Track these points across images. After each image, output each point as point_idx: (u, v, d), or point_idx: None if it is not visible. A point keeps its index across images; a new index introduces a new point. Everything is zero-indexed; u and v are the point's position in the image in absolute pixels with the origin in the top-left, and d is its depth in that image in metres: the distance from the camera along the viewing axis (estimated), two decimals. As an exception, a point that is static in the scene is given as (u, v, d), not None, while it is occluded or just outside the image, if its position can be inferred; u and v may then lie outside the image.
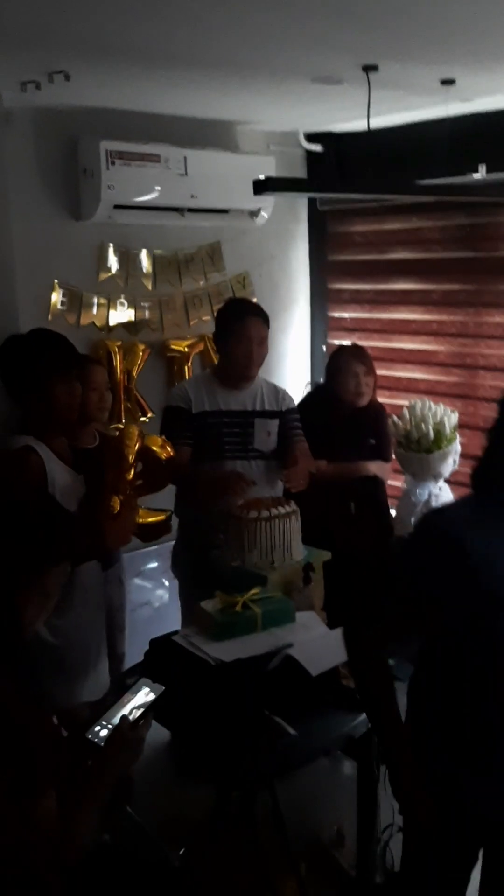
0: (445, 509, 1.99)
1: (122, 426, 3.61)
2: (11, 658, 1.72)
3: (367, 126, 3.19)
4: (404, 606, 1.81)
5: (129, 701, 1.84)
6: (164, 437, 2.93)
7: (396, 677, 1.94)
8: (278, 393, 3.41)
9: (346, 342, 4.14)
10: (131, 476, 2.65)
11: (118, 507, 2.55)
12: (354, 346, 3.77)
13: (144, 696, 1.84)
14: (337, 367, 3.62)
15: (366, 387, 3.58)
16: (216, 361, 3.47)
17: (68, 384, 2.57)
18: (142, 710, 1.81)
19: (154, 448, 2.76)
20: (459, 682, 1.78)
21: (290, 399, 3.43)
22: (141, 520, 2.66)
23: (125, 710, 1.81)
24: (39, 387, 2.53)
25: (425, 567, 1.76)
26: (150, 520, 2.75)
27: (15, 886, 1.58)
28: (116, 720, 1.79)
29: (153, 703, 1.82)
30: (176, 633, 2.58)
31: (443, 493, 3.76)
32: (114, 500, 2.56)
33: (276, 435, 3.31)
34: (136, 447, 2.63)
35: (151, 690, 1.85)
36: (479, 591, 1.70)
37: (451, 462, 3.72)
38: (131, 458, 2.61)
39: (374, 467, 3.63)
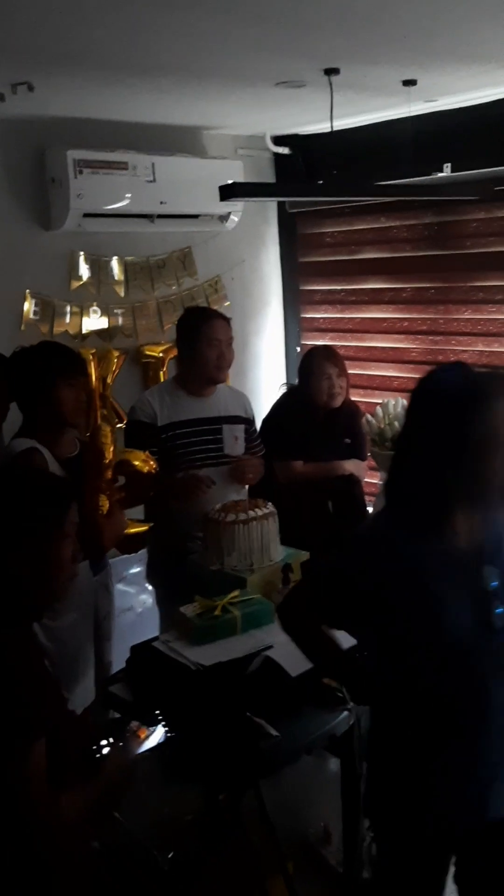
0: (362, 531, 1.97)
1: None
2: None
3: (330, 128, 3.22)
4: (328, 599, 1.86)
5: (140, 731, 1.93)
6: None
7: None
8: (243, 398, 3.44)
9: (320, 343, 4.17)
10: (110, 476, 2.68)
11: (107, 506, 2.62)
12: (325, 348, 3.79)
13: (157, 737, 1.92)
14: (309, 371, 3.64)
15: (339, 388, 3.60)
16: (178, 370, 3.48)
17: (74, 390, 2.71)
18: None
19: (136, 462, 2.80)
20: (409, 690, 1.77)
21: (251, 407, 3.47)
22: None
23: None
24: (47, 391, 2.66)
25: (344, 582, 1.79)
26: (132, 530, 2.78)
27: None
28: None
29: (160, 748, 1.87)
30: (156, 639, 2.60)
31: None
32: (102, 500, 2.62)
33: (243, 440, 3.34)
34: (112, 447, 2.68)
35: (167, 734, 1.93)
36: (405, 611, 1.70)
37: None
38: (109, 455, 2.66)
39: (351, 466, 3.66)
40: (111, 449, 2.68)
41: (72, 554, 1.87)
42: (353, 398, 3.81)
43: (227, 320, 3.29)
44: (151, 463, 2.84)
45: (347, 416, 3.71)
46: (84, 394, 2.77)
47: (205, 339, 3.18)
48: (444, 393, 1.65)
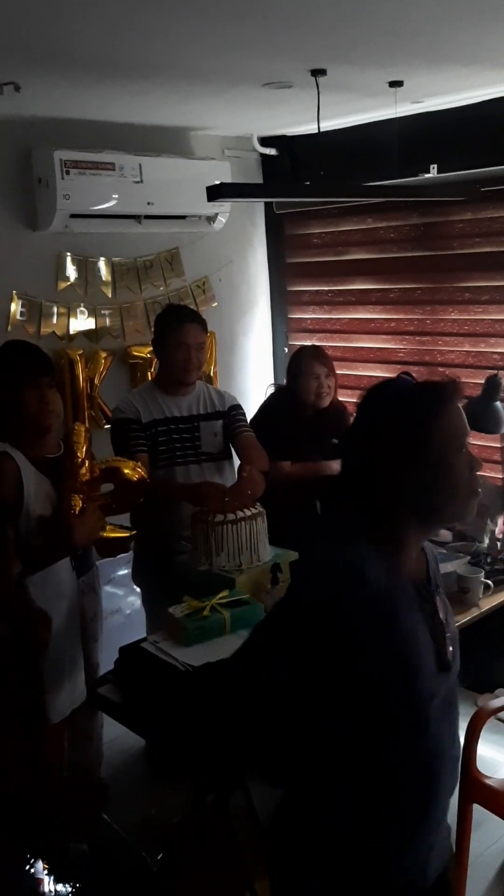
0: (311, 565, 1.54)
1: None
2: None
3: (317, 129, 3.22)
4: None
5: None
6: (123, 452, 2.99)
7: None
8: (220, 395, 3.43)
9: (307, 343, 4.17)
10: (87, 476, 2.66)
11: (80, 505, 2.59)
12: (314, 348, 3.80)
13: None
14: (298, 371, 3.65)
15: (327, 388, 3.61)
16: (157, 370, 3.48)
17: (39, 391, 2.61)
18: None
19: (126, 470, 2.78)
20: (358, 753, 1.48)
21: (233, 398, 3.45)
22: (104, 534, 2.68)
23: None
24: (10, 394, 2.59)
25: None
26: (112, 535, 2.76)
27: None
28: None
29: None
30: (145, 640, 2.59)
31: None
32: (75, 500, 2.59)
33: (221, 435, 3.34)
34: (85, 445, 2.66)
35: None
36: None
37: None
38: (80, 455, 2.63)
39: (339, 466, 3.65)
40: (83, 448, 2.65)
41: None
42: (340, 398, 3.82)
43: (199, 323, 3.27)
44: (140, 471, 2.83)
45: (335, 416, 3.72)
46: (52, 393, 2.67)
47: (173, 342, 3.20)
48: (399, 402, 1.49)
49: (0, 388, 2.61)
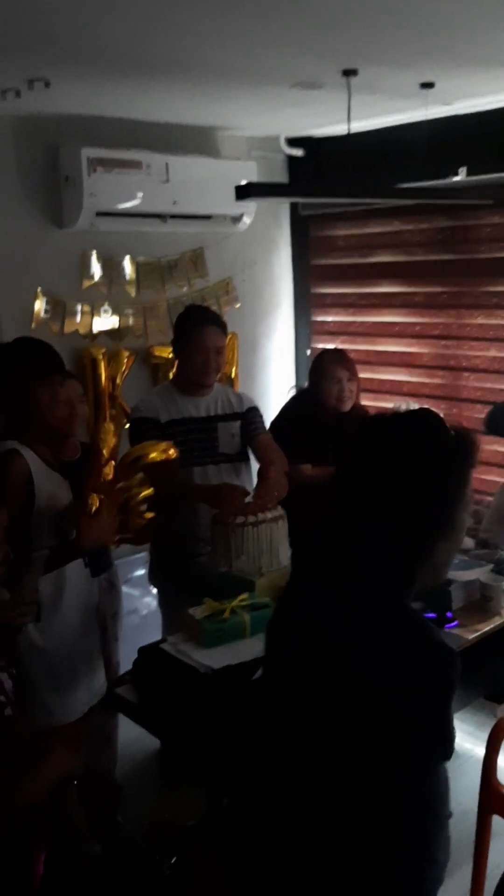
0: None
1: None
2: None
3: (347, 130, 3.20)
4: None
5: None
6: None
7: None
8: (238, 396, 3.42)
9: (330, 346, 4.15)
10: (110, 476, 2.63)
11: (97, 505, 2.55)
12: (336, 351, 3.78)
13: None
14: (320, 374, 3.63)
15: (349, 392, 3.59)
16: (176, 370, 3.47)
17: (50, 389, 2.57)
18: None
19: (152, 454, 2.73)
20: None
21: (250, 399, 3.44)
22: (141, 521, 2.65)
23: None
24: (20, 392, 2.54)
25: None
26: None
27: None
28: None
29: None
30: (164, 641, 2.58)
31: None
32: (93, 499, 2.56)
33: (239, 437, 3.32)
34: (113, 444, 2.63)
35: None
36: None
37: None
38: (106, 453, 2.60)
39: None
40: (111, 445, 2.62)
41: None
42: (363, 402, 3.79)
43: (220, 326, 3.26)
44: (171, 452, 2.77)
45: (357, 419, 3.69)
46: (67, 392, 2.64)
47: (192, 344, 3.19)
48: (420, 443, 1.49)
49: (10, 386, 2.56)
